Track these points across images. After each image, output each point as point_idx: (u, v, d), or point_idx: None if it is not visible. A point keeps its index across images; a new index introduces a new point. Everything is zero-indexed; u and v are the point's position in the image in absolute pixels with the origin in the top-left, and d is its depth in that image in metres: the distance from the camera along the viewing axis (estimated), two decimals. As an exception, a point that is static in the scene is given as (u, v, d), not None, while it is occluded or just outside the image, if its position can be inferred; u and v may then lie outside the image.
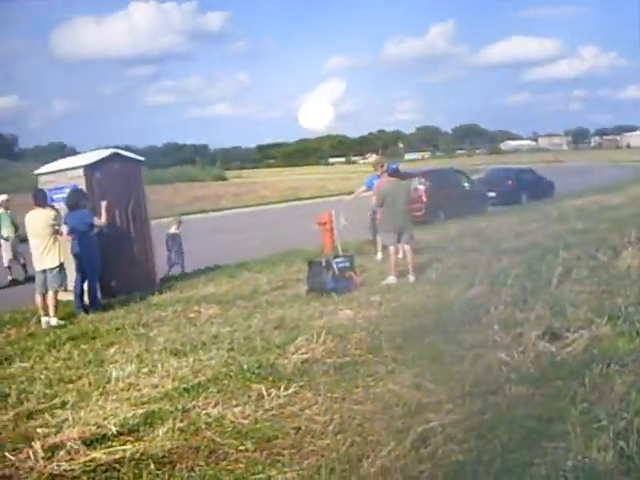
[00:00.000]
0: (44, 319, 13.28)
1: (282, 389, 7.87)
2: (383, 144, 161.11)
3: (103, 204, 14.59)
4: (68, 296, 14.49)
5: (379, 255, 17.08)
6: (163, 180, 77.28)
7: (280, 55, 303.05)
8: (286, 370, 8.66)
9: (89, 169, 15.68)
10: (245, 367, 8.83)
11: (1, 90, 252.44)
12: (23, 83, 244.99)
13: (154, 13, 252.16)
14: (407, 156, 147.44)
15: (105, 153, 16.41)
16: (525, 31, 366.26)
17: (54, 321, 13.16)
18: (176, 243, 18.66)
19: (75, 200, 14.38)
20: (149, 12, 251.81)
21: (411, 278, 14.28)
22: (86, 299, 14.38)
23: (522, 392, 7.08)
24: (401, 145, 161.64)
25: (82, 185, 15.39)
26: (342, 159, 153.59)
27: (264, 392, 7.81)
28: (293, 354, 9.22)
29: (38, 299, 13.48)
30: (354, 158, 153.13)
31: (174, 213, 42.33)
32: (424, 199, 26.34)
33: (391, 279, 14.29)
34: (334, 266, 13.54)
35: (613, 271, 12.89)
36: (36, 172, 17.05)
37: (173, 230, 18.96)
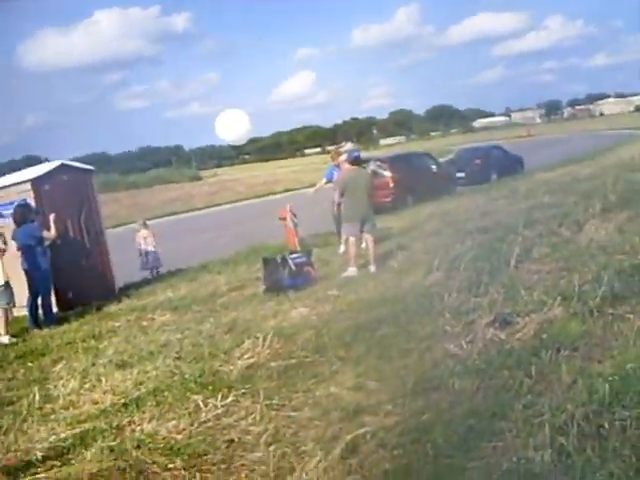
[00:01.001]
0: (-4, 338, 12.95)
1: (221, 398, 7.57)
2: (357, 131, 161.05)
3: (51, 217, 14.29)
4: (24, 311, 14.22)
5: (342, 247, 16.74)
6: (138, 184, 77.28)
7: (248, 51, 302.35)
8: (229, 377, 8.39)
9: (37, 182, 15.39)
10: (187, 377, 8.54)
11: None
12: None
13: (119, 19, 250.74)
14: (382, 141, 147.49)
15: (53, 165, 16.12)
16: (490, 7, 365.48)
17: (5, 339, 12.90)
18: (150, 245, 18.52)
19: (21, 215, 14.07)
20: (114, 19, 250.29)
21: (372, 269, 13.98)
22: (41, 313, 14.04)
23: (466, 386, 6.78)
24: (375, 131, 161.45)
25: (31, 199, 15.05)
26: (318, 149, 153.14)
27: (201, 403, 7.50)
28: (238, 359, 8.95)
29: (-13, 318, 13.14)
30: (329, 148, 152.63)
31: (147, 217, 42.54)
32: (391, 185, 26.12)
33: (351, 270, 13.98)
34: (290, 262, 13.24)
35: (574, 247, 12.57)
36: (-17, 190, 16.67)
37: (143, 233, 18.71)
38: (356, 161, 15.11)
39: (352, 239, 14.30)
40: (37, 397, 8.89)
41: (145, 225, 19.43)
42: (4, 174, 17.48)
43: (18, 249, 13.88)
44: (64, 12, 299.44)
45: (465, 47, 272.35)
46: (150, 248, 18.84)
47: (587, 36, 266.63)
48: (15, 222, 14.06)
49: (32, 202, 14.96)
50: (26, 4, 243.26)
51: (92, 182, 16.73)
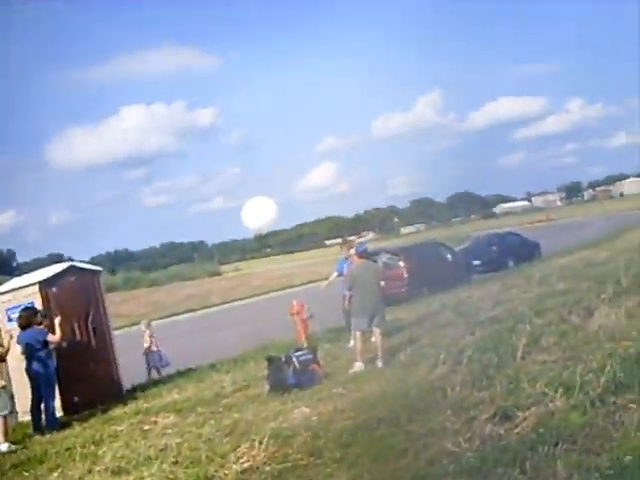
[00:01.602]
0: (-5, 445, 12.75)
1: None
2: (379, 221, 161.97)
3: (56, 320, 14.22)
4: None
5: (352, 342, 16.50)
6: (159, 282, 77.63)
7: (271, 144, 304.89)
8: (224, 482, 8.16)
9: (44, 285, 15.39)
10: (180, 484, 8.33)
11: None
12: (20, 198, 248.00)
13: (144, 115, 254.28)
14: (403, 230, 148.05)
15: (60, 267, 16.14)
16: (510, 91, 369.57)
17: (4, 447, 12.63)
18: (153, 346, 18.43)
19: (26, 319, 14.00)
20: (139, 115, 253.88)
21: (379, 364, 13.77)
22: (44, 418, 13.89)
23: (460, 486, 6.56)
24: (396, 220, 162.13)
25: (38, 301, 15.02)
26: (339, 240, 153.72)
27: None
28: (234, 463, 8.76)
29: (-14, 425, 12.96)
30: (350, 238, 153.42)
31: (165, 314, 42.63)
32: (405, 275, 25.98)
33: (357, 366, 13.82)
34: (294, 361, 13.06)
35: (582, 334, 12.38)
36: (-9, 293, 16.63)
37: (147, 335, 18.70)
38: (364, 254, 14.99)
39: (358, 333, 14.13)
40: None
41: (149, 325, 19.32)
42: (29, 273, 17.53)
43: (22, 353, 13.77)
44: (90, 110, 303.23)
45: (486, 132, 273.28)
46: (154, 348, 18.68)
47: (607, 117, 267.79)
48: (20, 326, 13.98)
49: (39, 305, 14.89)
50: (53, 103, 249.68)
51: (100, 283, 16.69)
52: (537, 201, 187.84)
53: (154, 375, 18.53)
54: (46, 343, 13.96)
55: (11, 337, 13.66)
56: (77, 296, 15.86)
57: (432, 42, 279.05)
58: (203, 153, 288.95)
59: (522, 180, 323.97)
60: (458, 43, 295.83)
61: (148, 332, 19.02)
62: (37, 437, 13.33)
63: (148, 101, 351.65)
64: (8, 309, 15.60)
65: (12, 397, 13.35)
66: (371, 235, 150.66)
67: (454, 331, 15.35)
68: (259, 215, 13.41)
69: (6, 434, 12.86)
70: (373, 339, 14.48)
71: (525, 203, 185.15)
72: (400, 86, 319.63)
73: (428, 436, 8.25)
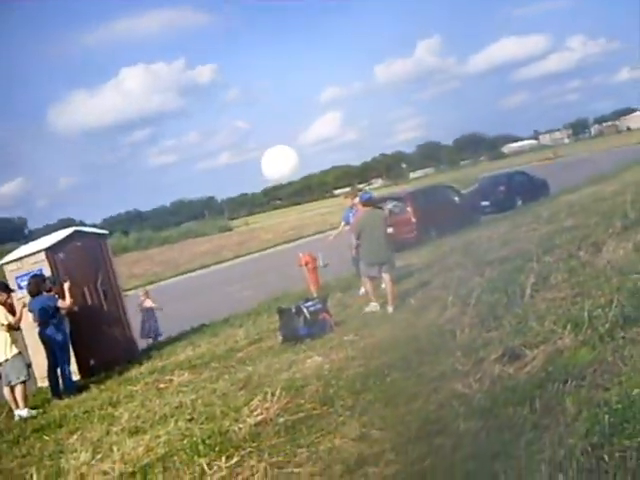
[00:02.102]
0: (16, 412, 12.89)
1: (227, 459, 7.44)
2: (386, 167, 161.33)
3: (65, 286, 14.26)
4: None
5: (362, 290, 16.56)
6: (171, 239, 77.75)
7: (273, 96, 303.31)
8: (238, 436, 8.24)
9: (50, 251, 15.39)
10: (195, 439, 8.39)
11: (6, 175, 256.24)
12: (27, 165, 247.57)
13: (144, 75, 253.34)
14: (412, 175, 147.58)
15: (65, 233, 16.10)
16: (510, 31, 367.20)
17: (25, 412, 12.76)
18: (150, 315, 18.25)
19: (35, 285, 14.05)
20: (139, 75, 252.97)
21: (390, 309, 13.85)
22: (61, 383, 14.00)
23: (470, 428, 6.59)
24: (404, 165, 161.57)
25: (47, 268, 15.06)
26: (347, 189, 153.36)
27: (205, 467, 7.36)
28: (248, 417, 8.80)
29: (6, 392, 13.09)
30: (359, 186, 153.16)
31: (179, 272, 42.75)
32: (413, 220, 25.93)
33: (372, 306, 14.17)
34: (305, 311, 13.11)
35: (590, 270, 12.36)
36: (0, 262, 16.66)
37: (146, 304, 18.44)
38: (369, 202, 14.98)
39: (368, 279, 14.26)
40: (49, 472, 8.84)
41: (147, 294, 19.08)
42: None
43: (34, 320, 13.85)
44: (91, 73, 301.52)
45: (488, 74, 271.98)
46: (148, 317, 18.40)
47: (610, 52, 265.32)
48: (30, 293, 14.05)
49: (48, 272, 14.93)
50: (54, 67, 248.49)
51: (107, 246, 16.72)
52: (544, 139, 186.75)
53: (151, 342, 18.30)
54: (57, 309, 14.02)
55: (24, 305, 13.73)
56: (85, 260, 15.89)
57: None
58: (206, 110, 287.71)
59: (528, 119, 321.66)
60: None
61: (148, 302, 18.68)
62: (55, 401, 13.46)
63: (147, 61, 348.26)
64: (17, 277, 15.62)
65: (29, 364, 13.42)
66: (380, 182, 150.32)
67: (463, 273, 15.38)
68: (280, 164, 13.30)
69: (25, 400, 12.98)
70: (383, 285, 14.55)
71: (532, 142, 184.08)
72: (400, 32, 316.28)
73: (438, 379, 8.30)
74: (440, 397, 7.69)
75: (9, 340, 12.91)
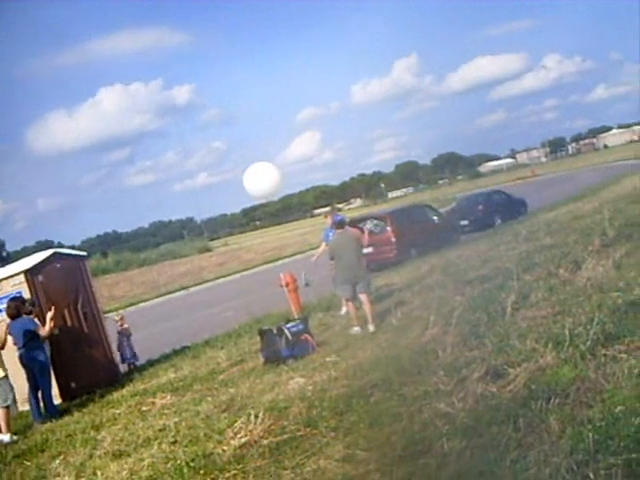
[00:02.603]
0: (-3, 437, 12.79)
1: (211, 482, 7.42)
2: (365, 187, 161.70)
3: (49, 315, 14.15)
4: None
5: (344, 309, 16.60)
6: (150, 261, 77.53)
7: (251, 116, 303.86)
8: (222, 458, 8.24)
9: (29, 274, 15.33)
10: (179, 462, 8.37)
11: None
12: (4, 186, 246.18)
13: (122, 96, 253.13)
14: (390, 194, 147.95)
15: (44, 255, 16.04)
16: (486, 51, 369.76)
17: (6, 438, 12.65)
18: (125, 339, 18.05)
19: (14, 308, 13.94)
20: (117, 96, 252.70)
21: (371, 328, 13.93)
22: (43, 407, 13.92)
23: (455, 447, 6.62)
24: (382, 185, 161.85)
25: (26, 290, 15.01)
26: (327, 209, 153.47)
27: (190, 490, 7.35)
28: (232, 439, 8.78)
29: (-13, 417, 12.99)
30: (338, 206, 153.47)
31: (159, 294, 42.65)
32: (393, 240, 25.99)
33: (355, 330, 14.16)
34: (286, 332, 13.11)
35: (570, 288, 12.45)
36: (-21, 284, 16.58)
37: (119, 327, 18.25)
38: (341, 224, 15.06)
39: (348, 300, 14.39)
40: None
41: (122, 319, 18.75)
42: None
43: (14, 343, 13.77)
44: (68, 93, 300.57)
45: (465, 93, 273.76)
46: (125, 342, 18.14)
47: (585, 71, 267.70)
48: (9, 316, 13.93)
49: (27, 294, 14.88)
50: (31, 88, 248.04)
51: (86, 267, 16.64)
52: (522, 158, 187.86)
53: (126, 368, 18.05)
54: (36, 333, 13.94)
55: (6, 327, 13.67)
56: (64, 282, 15.83)
57: (406, 7, 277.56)
58: (183, 130, 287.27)
59: (505, 138, 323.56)
60: (432, 7, 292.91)
61: (122, 325, 18.37)
62: (37, 426, 13.38)
63: (125, 81, 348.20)
64: (-5, 299, 15.61)
65: (12, 388, 13.32)
66: (359, 201, 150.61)
67: (444, 292, 15.42)
68: (263, 181, 13.26)
69: (8, 425, 12.89)
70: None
71: (510, 160, 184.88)
72: (375, 52, 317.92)
73: (422, 399, 8.31)
74: (424, 417, 7.71)
75: None
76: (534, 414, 6.88)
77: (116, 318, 18.84)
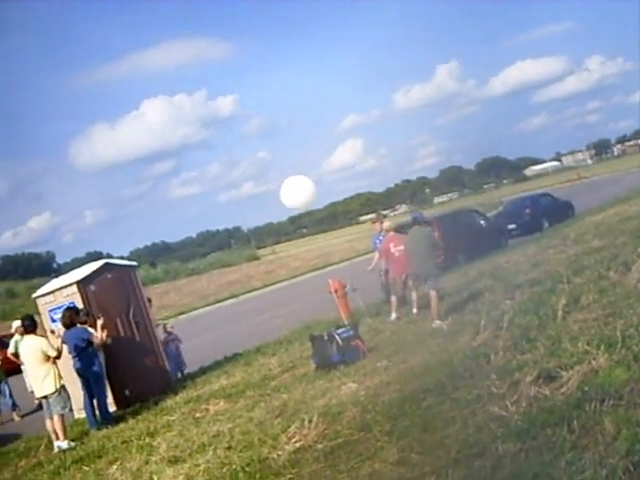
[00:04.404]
0: (56, 443, 13.07)
1: (267, 487, 7.52)
2: (410, 193, 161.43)
3: (99, 322, 14.44)
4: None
5: (393, 315, 16.66)
6: (199, 270, 78.00)
7: (294, 126, 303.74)
8: (277, 463, 8.33)
9: (82, 284, 15.58)
10: (235, 467, 8.48)
11: (33, 210, 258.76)
12: (53, 200, 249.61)
13: (166, 108, 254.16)
14: (436, 200, 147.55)
15: (96, 265, 16.28)
16: (527, 54, 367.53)
17: (64, 444, 12.93)
18: (171, 348, 18.22)
19: (69, 318, 14.21)
20: (161, 108, 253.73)
21: (436, 323, 14.35)
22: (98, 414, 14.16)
23: (509, 449, 6.65)
24: (427, 190, 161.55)
25: (79, 301, 15.25)
26: (373, 215, 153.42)
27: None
28: (286, 444, 8.87)
29: (48, 424, 13.30)
30: (384, 212, 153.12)
31: (208, 302, 42.94)
32: (441, 245, 25.92)
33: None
34: (337, 338, 13.17)
35: (621, 290, 12.40)
36: (34, 295, 16.91)
37: (164, 337, 18.35)
38: (417, 221, 15.84)
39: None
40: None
41: (165, 328, 18.86)
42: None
43: (69, 352, 14.01)
44: (112, 106, 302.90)
45: (506, 97, 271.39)
46: (173, 351, 18.29)
47: (628, 72, 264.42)
48: (64, 325, 14.20)
49: (80, 304, 15.12)
50: (74, 103, 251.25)
51: (137, 277, 16.86)
52: (567, 160, 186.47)
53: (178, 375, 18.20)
54: (91, 341, 14.18)
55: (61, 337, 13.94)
56: (116, 292, 16.06)
57: (446, 13, 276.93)
58: (227, 141, 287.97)
59: (549, 141, 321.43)
60: (472, 12, 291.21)
61: (170, 335, 18.54)
62: (93, 432, 13.62)
63: (168, 93, 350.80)
64: (50, 310, 15.91)
65: (68, 396, 13.55)
66: (404, 207, 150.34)
67: (494, 297, 15.44)
68: (298, 194, 13.56)
69: (65, 432, 13.16)
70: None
71: (555, 163, 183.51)
72: (417, 59, 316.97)
73: (475, 402, 8.33)
74: (477, 420, 7.74)
75: (56, 372, 13.11)
76: (588, 416, 6.88)
77: (168, 327, 18.99)
